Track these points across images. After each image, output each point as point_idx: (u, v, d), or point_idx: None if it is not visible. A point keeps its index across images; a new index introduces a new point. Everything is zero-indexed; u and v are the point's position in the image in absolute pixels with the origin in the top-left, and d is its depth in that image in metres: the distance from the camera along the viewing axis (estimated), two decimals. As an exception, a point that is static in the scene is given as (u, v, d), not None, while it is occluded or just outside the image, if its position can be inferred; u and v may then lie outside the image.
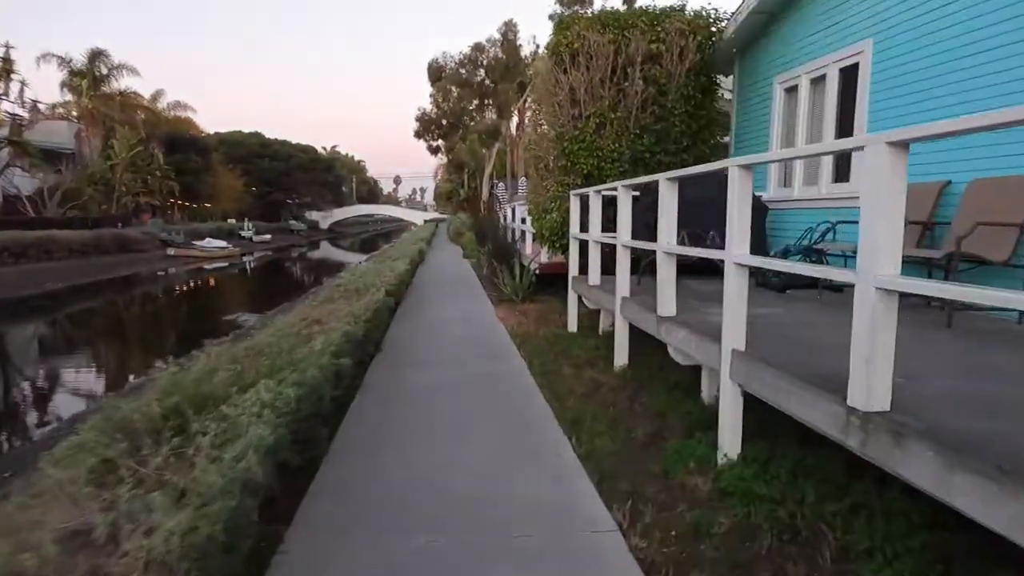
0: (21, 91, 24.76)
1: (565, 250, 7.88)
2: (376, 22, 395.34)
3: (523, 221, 13.72)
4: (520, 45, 37.29)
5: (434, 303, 9.65)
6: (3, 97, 24.15)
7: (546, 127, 8.17)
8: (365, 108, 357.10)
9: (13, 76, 24.15)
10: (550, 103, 7.48)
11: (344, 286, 7.77)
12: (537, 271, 9.48)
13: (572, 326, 7.23)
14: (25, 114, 26.36)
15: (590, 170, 7.33)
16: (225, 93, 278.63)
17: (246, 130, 57.97)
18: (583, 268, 7.17)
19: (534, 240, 12.12)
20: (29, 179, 28.85)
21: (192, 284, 24.74)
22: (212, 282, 25.73)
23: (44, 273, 21.61)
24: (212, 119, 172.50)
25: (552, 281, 9.72)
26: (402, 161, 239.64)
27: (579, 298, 7.11)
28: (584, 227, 7.25)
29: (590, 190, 6.18)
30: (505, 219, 16.93)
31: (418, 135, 41.56)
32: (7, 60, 23.59)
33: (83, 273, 22.75)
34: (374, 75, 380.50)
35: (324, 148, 79.72)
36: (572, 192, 6.97)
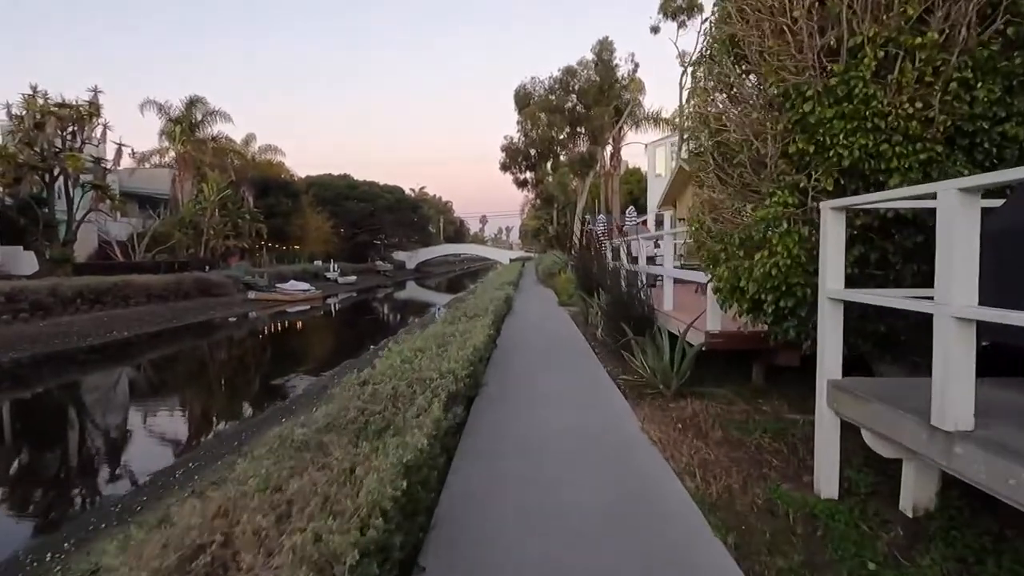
0: (104, 134, 24.45)
1: (783, 319, 4.08)
2: (470, 66, 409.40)
3: (651, 261, 9.99)
4: (616, 65, 33.98)
5: (529, 399, 5.85)
6: (86, 141, 23.81)
7: (735, 91, 4.51)
8: (453, 152, 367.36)
9: (97, 120, 23.81)
10: (766, 31, 3.82)
11: (374, 384, 4.27)
12: (703, 347, 5.58)
13: (829, 486, 3.40)
14: (108, 158, 26.15)
15: (855, 159, 3.56)
16: (316, 134, 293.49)
17: (335, 172, 58.63)
18: (852, 361, 3.41)
19: (675, 285, 8.35)
20: (124, 224, 28.85)
21: (262, 333, 22.90)
22: (284, 330, 23.85)
23: (114, 320, 20.42)
24: (302, 162, 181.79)
25: (710, 357, 5.91)
26: (488, 202, 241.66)
27: (836, 420, 3.31)
28: (857, 278, 3.54)
29: (935, 187, 2.45)
30: (616, 257, 13.23)
31: (504, 167, 38.92)
32: (93, 104, 23.31)
33: (153, 320, 21.45)
34: (463, 119, 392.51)
35: (412, 190, 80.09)
36: (829, 204, 3.25)
